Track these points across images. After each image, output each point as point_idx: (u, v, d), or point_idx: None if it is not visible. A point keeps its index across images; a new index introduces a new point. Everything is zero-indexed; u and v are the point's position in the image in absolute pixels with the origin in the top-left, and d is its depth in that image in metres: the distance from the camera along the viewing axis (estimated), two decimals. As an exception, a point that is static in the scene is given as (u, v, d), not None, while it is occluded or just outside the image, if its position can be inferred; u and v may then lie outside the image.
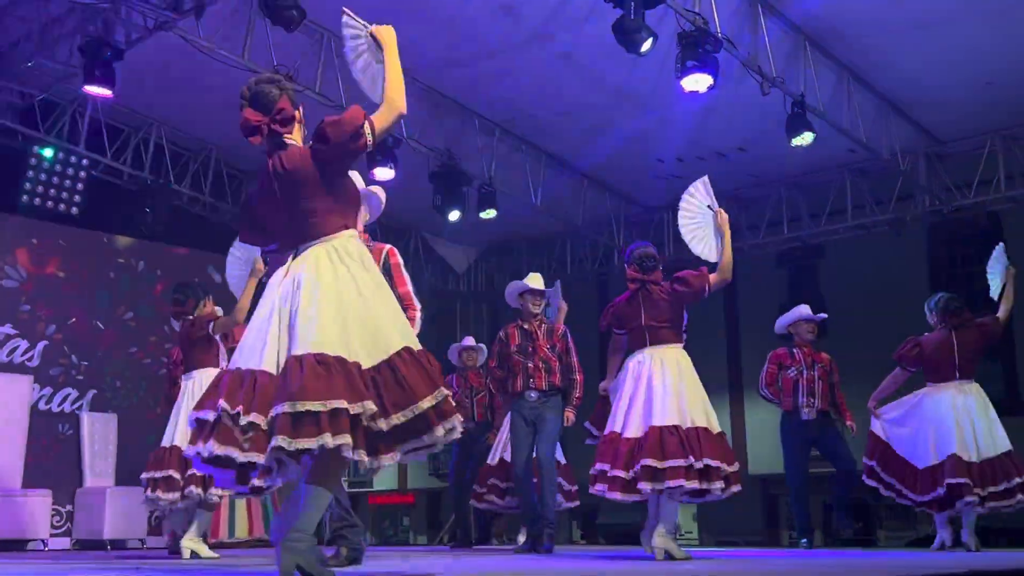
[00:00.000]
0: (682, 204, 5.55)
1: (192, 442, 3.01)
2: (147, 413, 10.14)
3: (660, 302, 5.26)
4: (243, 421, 2.88)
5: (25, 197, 10.08)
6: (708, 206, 5.49)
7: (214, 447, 2.92)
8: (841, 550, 7.14)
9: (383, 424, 2.90)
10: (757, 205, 12.40)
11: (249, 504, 8.59)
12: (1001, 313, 6.61)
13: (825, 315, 7.76)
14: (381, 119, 3.30)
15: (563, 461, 8.10)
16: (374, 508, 19.47)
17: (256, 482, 4.21)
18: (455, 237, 13.81)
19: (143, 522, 9.55)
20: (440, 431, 2.96)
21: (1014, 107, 10.05)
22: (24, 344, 9.89)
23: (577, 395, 6.94)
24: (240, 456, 2.90)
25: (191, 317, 6.42)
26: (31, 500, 9.09)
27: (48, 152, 10.16)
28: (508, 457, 7.33)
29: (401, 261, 4.87)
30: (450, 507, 11.20)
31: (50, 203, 10.20)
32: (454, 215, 10.70)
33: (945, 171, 11.03)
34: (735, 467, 5.03)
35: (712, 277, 5.30)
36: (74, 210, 10.35)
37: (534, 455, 6.80)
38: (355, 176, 3.48)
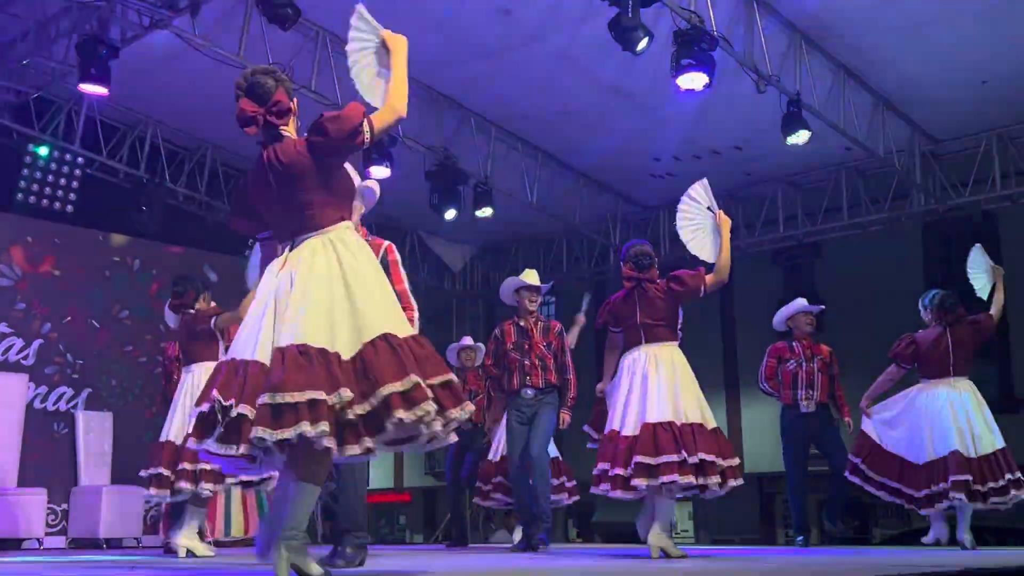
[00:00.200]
0: (681, 205, 5.55)
1: (195, 436, 3.03)
2: (143, 412, 10.15)
3: (656, 300, 5.28)
4: (234, 413, 2.90)
5: (20, 195, 10.09)
6: (708, 207, 5.49)
7: (213, 446, 2.96)
8: (836, 548, 7.15)
9: (350, 414, 2.90)
10: (753, 203, 12.42)
11: (245, 502, 8.58)
12: (994, 311, 6.65)
13: (823, 306, 7.78)
14: (381, 119, 3.31)
15: (554, 454, 8.04)
16: (370, 507, 19.47)
17: (243, 476, 4.22)
18: (451, 236, 13.80)
19: (139, 521, 9.54)
20: (402, 414, 2.89)
21: (1010, 106, 10.07)
22: (19, 343, 9.88)
23: (571, 395, 6.93)
24: (237, 451, 2.94)
25: (192, 311, 6.38)
26: (26, 499, 9.08)
27: (43, 150, 10.16)
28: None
29: (399, 258, 4.85)
30: (446, 506, 11.21)
31: (45, 201, 10.20)
32: (450, 214, 10.69)
33: (941, 170, 11.06)
34: (734, 461, 5.04)
35: (709, 278, 5.32)
36: (69, 208, 10.35)
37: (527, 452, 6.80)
38: (350, 170, 3.47)
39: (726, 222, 5.44)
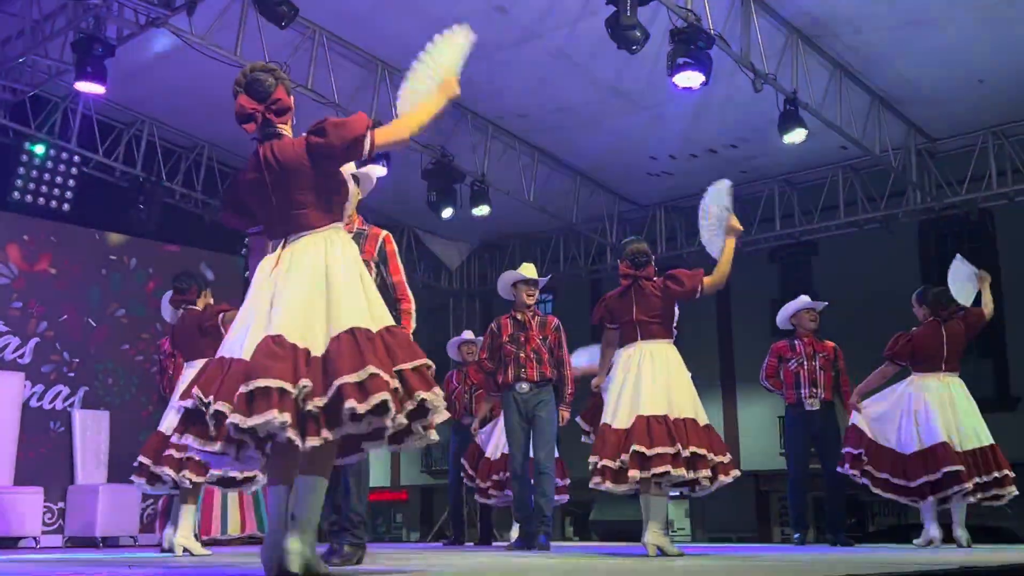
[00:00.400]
0: (703, 203, 5.60)
1: (178, 431, 3.09)
2: (139, 410, 10.14)
3: (652, 298, 5.30)
4: (211, 409, 2.93)
5: (16, 193, 10.08)
6: (726, 207, 5.54)
7: (191, 441, 3.01)
8: (832, 546, 7.15)
9: (310, 405, 2.92)
10: (749, 202, 12.42)
11: (242, 501, 8.58)
12: (986, 311, 6.68)
13: (827, 303, 7.78)
14: (385, 134, 3.34)
15: (555, 455, 8.03)
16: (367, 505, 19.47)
17: (214, 471, 4.22)
18: (448, 234, 13.81)
19: (135, 519, 9.54)
20: (354, 404, 2.87)
21: (1006, 104, 10.08)
22: (15, 341, 9.87)
23: (569, 391, 6.93)
24: (215, 447, 2.99)
25: (197, 307, 6.35)
26: (23, 497, 9.07)
27: (39, 148, 10.15)
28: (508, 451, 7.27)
29: (396, 249, 4.83)
30: (443, 504, 11.21)
31: (41, 200, 10.19)
32: (447, 212, 10.69)
33: (937, 168, 11.07)
34: (725, 458, 5.06)
35: (707, 280, 5.32)
36: (66, 207, 10.34)
37: (531, 456, 6.79)
38: (345, 170, 3.47)
39: (733, 228, 5.44)
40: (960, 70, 9.42)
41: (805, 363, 7.46)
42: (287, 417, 2.85)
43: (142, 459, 5.95)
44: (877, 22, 8.66)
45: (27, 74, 9.33)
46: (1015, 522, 10.87)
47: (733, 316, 16.76)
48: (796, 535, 7.54)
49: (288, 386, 2.88)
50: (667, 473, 4.86)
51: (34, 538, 9.11)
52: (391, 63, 9.59)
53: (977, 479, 6.19)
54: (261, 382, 2.86)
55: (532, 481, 6.79)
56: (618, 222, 12.99)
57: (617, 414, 5.07)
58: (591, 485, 5.10)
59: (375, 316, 3.13)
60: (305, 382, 2.91)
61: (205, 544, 6.56)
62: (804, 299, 7.70)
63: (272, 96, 3.30)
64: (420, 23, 8.71)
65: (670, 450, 4.86)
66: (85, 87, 8.23)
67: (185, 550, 5.90)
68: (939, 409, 6.33)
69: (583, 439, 6.04)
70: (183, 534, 5.97)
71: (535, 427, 6.69)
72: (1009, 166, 10.59)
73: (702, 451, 4.95)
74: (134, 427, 9.66)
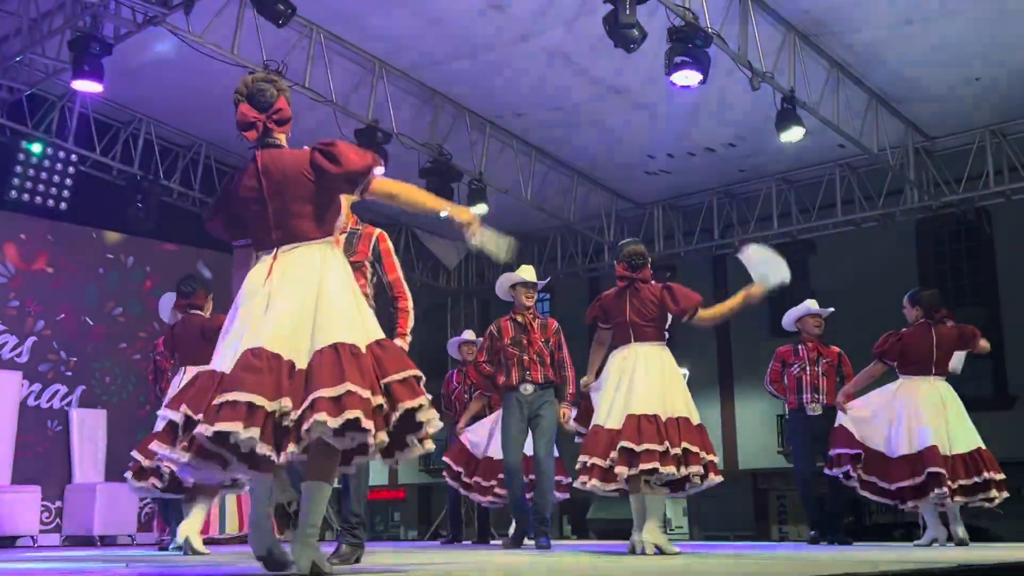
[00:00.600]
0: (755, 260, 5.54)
1: (162, 441, 3.08)
2: (136, 409, 10.13)
3: (648, 301, 5.31)
4: (193, 424, 2.96)
5: (13, 192, 10.07)
6: (766, 272, 5.48)
7: (169, 452, 3.03)
8: (830, 545, 7.16)
9: (287, 421, 2.94)
10: (747, 200, 12.45)
11: (239, 500, 8.58)
12: (982, 345, 6.66)
13: (832, 309, 7.77)
14: (382, 185, 3.40)
15: (555, 454, 8.01)
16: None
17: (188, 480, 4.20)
18: (446, 233, 13.81)
19: (133, 518, 9.54)
20: (325, 418, 2.87)
21: (1003, 103, 10.11)
22: (13, 340, 9.86)
23: (570, 391, 6.91)
24: (185, 458, 3.00)
25: (204, 312, 6.32)
26: (20, 496, 9.07)
27: (37, 147, 10.14)
28: None
29: (392, 247, 4.80)
30: (441, 502, 11.20)
31: (39, 198, 10.18)
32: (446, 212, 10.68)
33: (934, 166, 11.09)
34: (714, 457, 5.09)
35: (703, 311, 5.30)
36: (63, 205, 10.33)
37: (531, 453, 6.79)
38: None
39: (753, 294, 5.37)
40: (957, 69, 9.43)
41: (808, 368, 7.46)
42: (253, 433, 2.85)
43: (134, 454, 5.97)
44: (874, 21, 8.68)
45: (24, 73, 9.32)
46: (1004, 524, 10.83)
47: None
48: (812, 532, 7.55)
49: (260, 400, 2.88)
50: (656, 470, 4.87)
51: (32, 537, 9.11)
52: (388, 61, 9.59)
53: (963, 481, 6.18)
54: (231, 396, 2.87)
55: (531, 479, 6.79)
56: (616, 221, 13.00)
57: (610, 415, 5.09)
58: (576, 484, 5.12)
59: (367, 329, 3.15)
60: (285, 402, 2.92)
61: (204, 543, 6.56)
62: (809, 305, 7.68)
63: (274, 106, 3.34)
64: (418, 21, 8.74)
65: (659, 447, 4.88)
66: (82, 86, 8.23)
67: (187, 540, 5.87)
68: (931, 413, 6.32)
69: (576, 440, 6.05)
70: (191, 524, 5.95)
71: (537, 427, 6.69)
72: (1006, 164, 10.62)
73: (694, 448, 4.97)
74: (131, 426, 9.65)
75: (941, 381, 6.51)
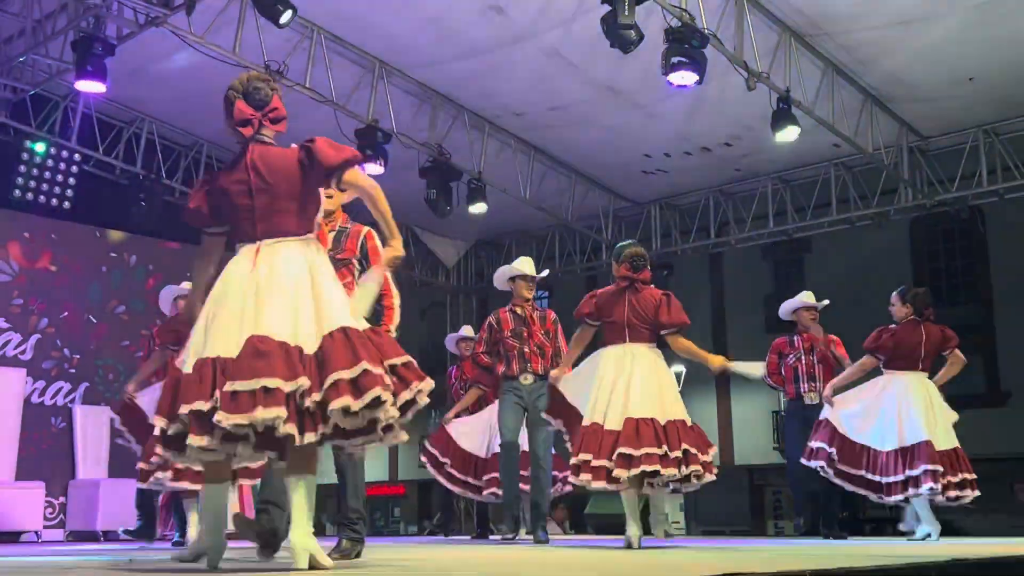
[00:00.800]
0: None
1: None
2: (139, 406, 10.20)
3: (647, 304, 5.37)
4: (202, 410, 3.03)
5: (17, 191, 10.15)
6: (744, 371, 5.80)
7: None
8: (825, 539, 7.23)
9: (308, 402, 3.03)
10: (743, 199, 12.53)
11: (241, 497, 8.65)
12: (957, 363, 6.73)
13: (827, 301, 7.85)
14: (354, 177, 3.46)
15: (552, 450, 8.04)
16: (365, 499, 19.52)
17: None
18: (445, 231, 13.88)
19: (136, 514, 9.58)
20: (349, 401, 2.99)
21: (996, 102, 10.18)
22: (17, 338, 9.94)
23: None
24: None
25: None
26: (24, 492, 9.13)
27: (40, 147, 10.22)
28: None
29: (380, 244, 4.81)
30: (440, 498, 11.24)
31: (42, 197, 10.26)
32: (444, 210, 10.76)
33: (928, 166, 11.18)
34: (709, 457, 5.19)
35: (680, 340, 5.39)
36: (66, 204, 10.41)
37: (527, 449, 6.86)
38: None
39: (722, 365, 5.51)
40: (951, 68, 9.51)
41: (803, 358, 7.57)
42: (280, 412, 2.94)
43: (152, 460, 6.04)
44: (869, 21, 8.75)
45: (28, 73, 9.40)
46: (972, 520, 10.86)
47: (727, 312, 16.85)
48: (798, 520, 7.66)
49: (277, 382, 2.96)
50: (657, 473, 4.97)
51: (36, 532, 9.18)
52: (389, 61, 9.66)
53: (951, 477, 6.28)
54: (242, 384, 2.95)
55: (528, 472, 6.85)
56: (613, 219, 13.08)
57: (609, 415, 5.15)
58: (578, 482, 5.18)
59: (359, 320, 3.28)
60: (303, 380, 3.01)
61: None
62: (803, 297, 7.77)
63: (270, 104, 3.45)
64: (418, 22, 8.81)
65: (658, 451, 4.97)
66: (85, 86, 8.31)
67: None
68: (923, 407, 6.41)
69: (548, 429, 6.11)
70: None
71: (534, 421, 6.72)
72: (999, 164, 10.69)
73: (693, 449, 5.08)
74: (134, 423, 9.72)
75: (925, 379, 6.59)
